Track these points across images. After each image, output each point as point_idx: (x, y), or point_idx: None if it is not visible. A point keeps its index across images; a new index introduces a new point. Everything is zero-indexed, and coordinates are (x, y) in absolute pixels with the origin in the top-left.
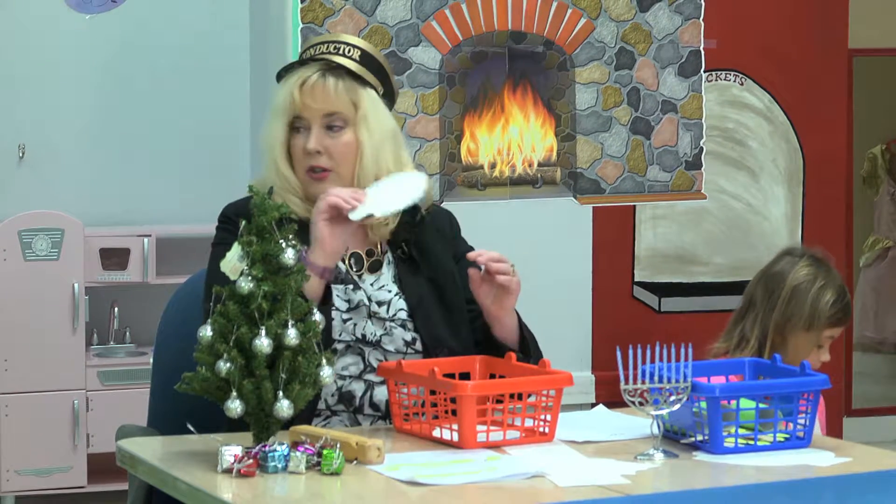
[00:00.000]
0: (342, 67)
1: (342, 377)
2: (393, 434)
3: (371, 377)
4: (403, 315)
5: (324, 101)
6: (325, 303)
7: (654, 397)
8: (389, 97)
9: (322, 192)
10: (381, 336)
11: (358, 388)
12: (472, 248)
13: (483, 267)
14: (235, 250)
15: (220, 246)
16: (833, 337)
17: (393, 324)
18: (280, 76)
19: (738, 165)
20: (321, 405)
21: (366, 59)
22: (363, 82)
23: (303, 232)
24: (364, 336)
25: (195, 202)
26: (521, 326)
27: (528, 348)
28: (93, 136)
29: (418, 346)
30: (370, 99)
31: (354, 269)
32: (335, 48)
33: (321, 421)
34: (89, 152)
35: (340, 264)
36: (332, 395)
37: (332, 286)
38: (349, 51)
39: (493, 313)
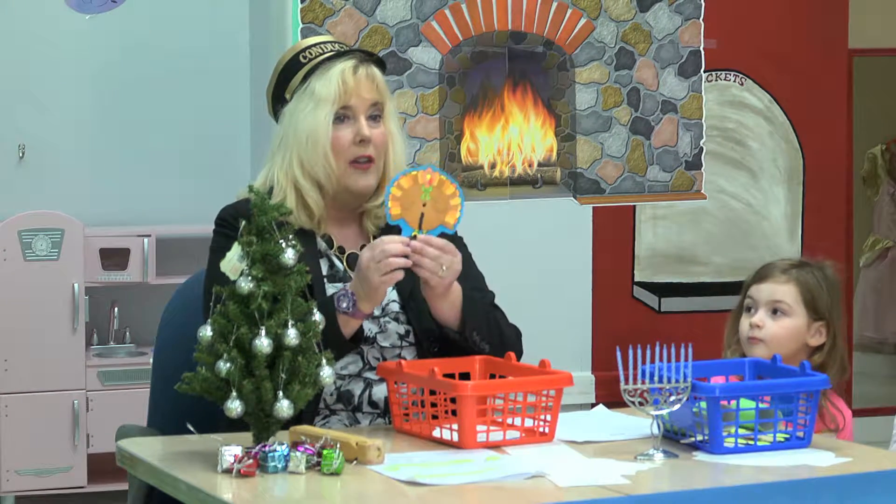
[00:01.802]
0: (372, 61)
1: (341, 377)
2: (393, 434)
3: (370, 375)
4: (395, 307)
5: (372, 91)
6: (359, 340)
7: (654, 397)
8: None
9: (368, 184)
10: (375, 333)
11: (357, 387)
12: (460, 238)
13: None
14: (235, 250)
15: (218, 252)
16: (753, 298)
17: (386, 318)
18: (311, 69)
19: (738, 165)
20: (319, 404)
21: None
22: None
23: (303, 237)
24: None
25: (195, 202)
26: (466, 309)
27: (465, 329)
28: (93, 136)
29: (412, 338)
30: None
31: (352, 269)
32: (340, 46)
33: (320, 420)
34: (89, 152)
35: (338, 263)
36: (331, 395)
37: (332, 285)
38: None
39: (426, 297)
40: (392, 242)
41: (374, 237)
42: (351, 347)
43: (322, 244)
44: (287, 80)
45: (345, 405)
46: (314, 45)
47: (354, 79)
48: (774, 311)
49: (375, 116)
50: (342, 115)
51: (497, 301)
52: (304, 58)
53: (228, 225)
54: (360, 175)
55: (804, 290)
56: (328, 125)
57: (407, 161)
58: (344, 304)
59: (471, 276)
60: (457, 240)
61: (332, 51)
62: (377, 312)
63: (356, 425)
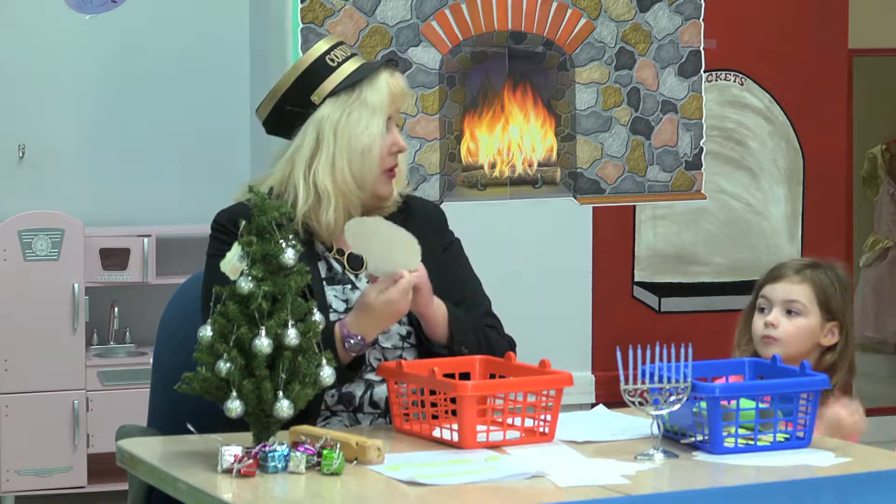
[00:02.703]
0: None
1: None
2: (393, 434)
3: (371, 377)
4: None
5: (403, 101)
6: (360, 365)
7: (654, 397)
8: None
9: (393, 192)
10: (377, 334)
11: (358, 388)
12: (458, 240)
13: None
14: (235, 250)
15: (215, 257)
16: (767, 298)
17: None
18: (361, 73)
19: (738, 165)
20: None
21: None
22: None
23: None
24: None
25: (195, 202)
26: (452, 323)
27: (453, 344)
28: (93, 136)
29: (413, 339)
30: None
31: (351, 270)
32: (352, 48)
33: (321, 421)
34: (89, 152)
35: (336, 265)
36: (332, 396)
37: (331, 287)
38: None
39: (415, 312)
40: (404, 283)
41: None
42: (351, 376)
43: (320, 246)
44: (314, 83)
45: (346, 406)
46: (334, 46)
47: (398, 87)
48: (789, 311)
49: (398, 125)
50: (386, 125)
51: (497, 301)
52: (332, 60)
53: (224, 230)
54: (389, 183)
55: (818, 290)
56: (381, 136)
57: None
58: (355, 350)
59: (468, 283)
60: (454, 244)
61: (352, 54)
62: None
63: (357, 426)
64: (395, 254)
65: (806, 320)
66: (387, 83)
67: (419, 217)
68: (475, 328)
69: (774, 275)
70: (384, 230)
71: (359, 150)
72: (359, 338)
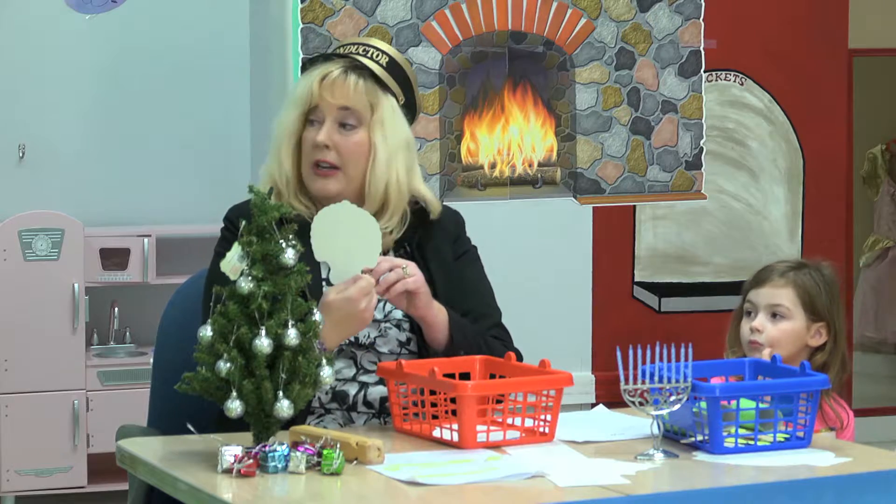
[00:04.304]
0: (366, 68)
1: (336, 379)
2: (393, 434)
3: (364, 378)
4: (399, 314)
5: (341, 97)
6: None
7: (654, 397)
8: (410, 109)
9: (325, 189)
10: (374, 338)
11: (351, 388)
12: (474, 248)
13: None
14: (235, 250)
15: (221, 255)
16: (753, 303)
17: (388, 324)
18: (304, 68)
19: (738, 165)
20: (314, 403)
21: (392, 66)
22: (385, 87)
23: (302, 239)
24: (357, 339)
25: (195, 202)
26: (453, 327)
27: (453, 351)
28: (93, 136)
29: (413, 346)
30: (389, 105)
31: None
32: (364, 50)
33: (315, 419)
34: (89, 152)
35: None
36: (326, 394)
37: (331, 289)
38: (377, 55)
39: (415, 316)
40: (363, 282)
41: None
42: None
43: None
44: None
45: (340, 405)
46: (341, 45)
47: (322, 84)
48: (774, 315)
49: (346, 124)
50: (313, 119)
51: (496, 301)
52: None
53: (234, 225)
54: (317, 180)
55: (802, 292)
56: (292, 127)
57: (416, 177)
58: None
59: (479, 293)
60: (469, 253)
61: (346, 52)
62: (378, 316)
63: (351, 424)
64: (358, 246)
65: (791, 323)
66: (313, 77)
67: (435, 223)
68: (476, 334)
69: (759, 279)
70: (345, 217)
71: (273, 138)
72: (318, 342)
